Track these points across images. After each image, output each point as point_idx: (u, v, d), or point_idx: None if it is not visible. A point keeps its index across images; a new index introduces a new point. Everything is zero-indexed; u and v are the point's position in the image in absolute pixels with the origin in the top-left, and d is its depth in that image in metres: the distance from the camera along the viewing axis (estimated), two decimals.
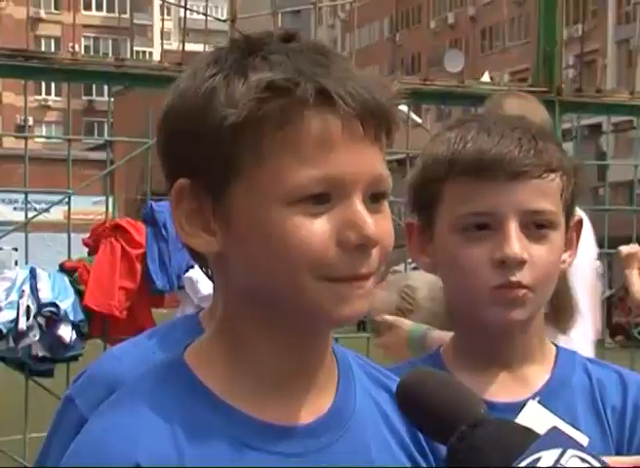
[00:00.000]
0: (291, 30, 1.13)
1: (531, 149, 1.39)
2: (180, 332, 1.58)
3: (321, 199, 1.05)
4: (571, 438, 1.01)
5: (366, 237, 1.05)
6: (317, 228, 1.05)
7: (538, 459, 0.97)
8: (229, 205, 1.08)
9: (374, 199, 1.08)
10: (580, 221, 1.50)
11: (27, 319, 4.44)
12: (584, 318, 2.92)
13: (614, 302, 17.23)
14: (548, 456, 0.98)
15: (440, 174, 1.41)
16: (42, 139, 54.45)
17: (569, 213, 1.45)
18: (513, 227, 1.38)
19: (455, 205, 1.41)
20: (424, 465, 1.17)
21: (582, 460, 0.98)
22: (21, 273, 4.57)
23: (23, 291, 4.47)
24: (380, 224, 1.08)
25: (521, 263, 1.38)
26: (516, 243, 1.37)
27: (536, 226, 1.40)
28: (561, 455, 0.98)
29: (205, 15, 4.49)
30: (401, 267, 3.61)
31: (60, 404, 1.61)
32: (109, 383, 1.47)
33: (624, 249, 4.71)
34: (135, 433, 1.05)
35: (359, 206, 1.06)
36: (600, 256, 3.81)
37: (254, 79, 1.04)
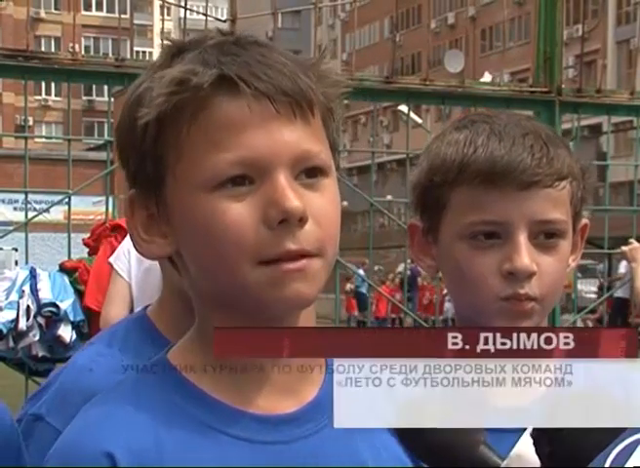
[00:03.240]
0: (226, 29, 1.16)
1: (543, 157, 1.35)
2: (137, 335, 1.51)
3: (242, 181, 1.06)
4: None
5: (286, 210, 1.05)
6: (242, 211, 1.06)
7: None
8: (167, 204, 1.10)
9: (310, 175, 1.09)
10: (586, 225, 1.47)
11: (27, 319, 4.44)
12: None
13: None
14: None
15: (448, 178, 1.38)
16: (42, 139, 54.45)
17: (576, 217, 1.42)
18: (523, 238, 1.35)
19: (463, 211, 1.37)
20: (409, 454, 1.17)
21: None
22: (22, 273, 4.57)
23: (23, 291, 4.47)
24: (312, 200, 1.08)
25: (530, 276, 1.35)
26: (526, 255, 1.34)
27: (545, 236, 1.37)
28: None
29: (205, 15, 4.49)
30: (401, 268, 3.61)
31: (23, 423, 1.45)
32: (86, 397, 1.32)
33: (629, 246, 4.81)
34: (114, 425, 1.07)
35: (280, 182, 1.06)
36: (600, 257, 3.83)
37: (164, 77, 1.08)
